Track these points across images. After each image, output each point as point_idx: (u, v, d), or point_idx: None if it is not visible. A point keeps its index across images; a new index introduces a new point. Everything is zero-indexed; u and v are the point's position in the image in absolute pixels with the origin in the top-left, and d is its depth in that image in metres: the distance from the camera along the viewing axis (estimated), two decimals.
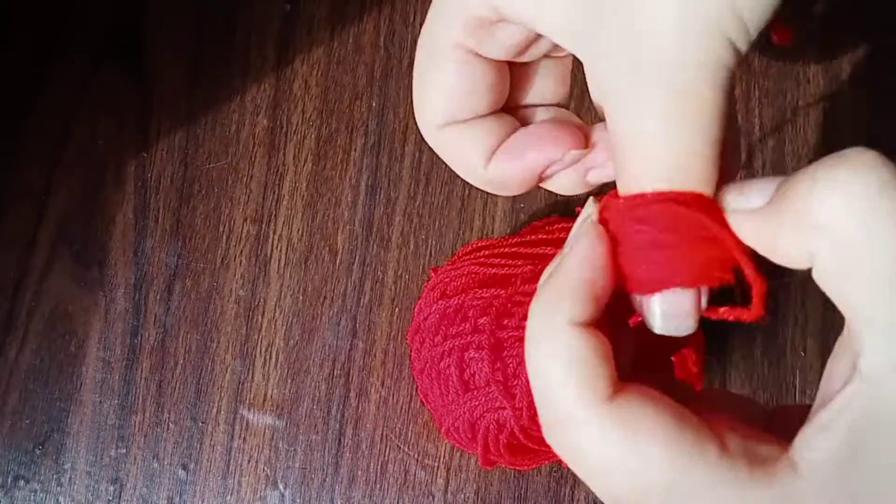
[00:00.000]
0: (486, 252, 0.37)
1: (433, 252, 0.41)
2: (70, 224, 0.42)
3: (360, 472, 0.40)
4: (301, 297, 0.41)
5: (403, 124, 0.42)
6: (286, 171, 0.42)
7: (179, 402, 0.40)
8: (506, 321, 0.34)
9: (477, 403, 0.34)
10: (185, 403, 0.40)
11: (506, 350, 0.34)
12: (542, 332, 0.19)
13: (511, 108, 0.25)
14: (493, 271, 0.36)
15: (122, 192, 0.42)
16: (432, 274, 0.39)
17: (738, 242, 0.19)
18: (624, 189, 0.20)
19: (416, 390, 0.40)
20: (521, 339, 0.32)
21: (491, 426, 0.35)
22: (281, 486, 0.40)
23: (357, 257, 0.41)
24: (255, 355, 0.41)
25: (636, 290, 0.20)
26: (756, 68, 0.42)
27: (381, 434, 0.40)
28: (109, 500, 0.40)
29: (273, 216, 0.42)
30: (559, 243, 0.36)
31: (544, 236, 0.37)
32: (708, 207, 0.19)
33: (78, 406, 0.40)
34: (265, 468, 0.40)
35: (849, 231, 0.17)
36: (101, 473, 0.40)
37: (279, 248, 0.42)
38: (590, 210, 0.20)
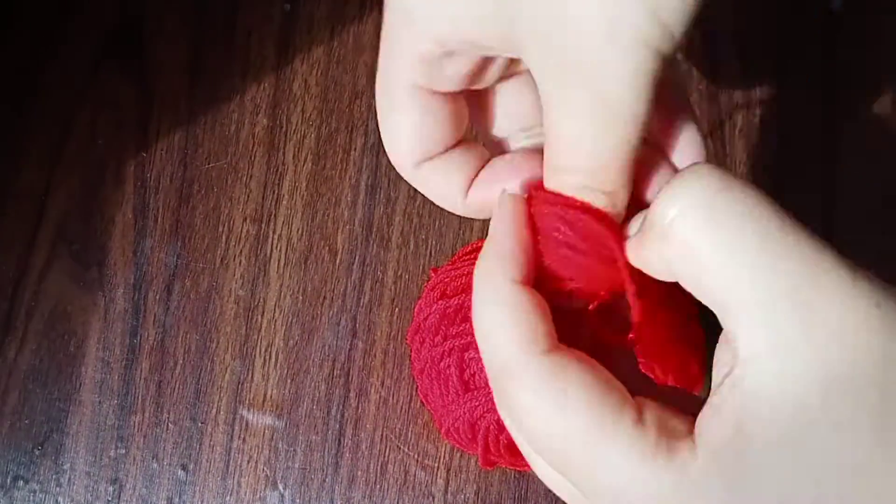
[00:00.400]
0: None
1: (433, 252, 0.41)
2: (69, 224, 0.42)
3: (359, 473, 0.40)
4: (301, 297, 0.41)
5: None
6: (286, 171, 0.42)
7: (179, 403, 0.40)
8: None
9: (477, 404, 0.34)
10: (185, 404, 0.40)
11: None
12: (486, 290, 0.21)
13: (490, 137, 0.26)
14: None
15: (121, 192, 0.42)
16: (432, 274, 0.39)
17: (627, 264, 0.21)
18: (549, 180, 0.22)
19: (416, 391, 0.40)
20: None
21: (491, 426, 0.35)
22: (280, 487, 0.40)
23: (357, 257, 0.41)
24: (255, 355, 0.41)
25: (542, 275, 0.22)
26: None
27: (381, 434, 0.40)
28: (109, 501, 0.40)
29: (273, 216, 0.42)
30: None
31: None
32: (616, 229, 0.21)
33: (77, 406, 0.40)
34: (265, 468, 0.40)
35: (690, 235, 0.18)
36: (100, 474, 0.40)
37: (279, 248, 0.41)
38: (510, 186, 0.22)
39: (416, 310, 0.38)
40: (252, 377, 0.40)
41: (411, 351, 0.38)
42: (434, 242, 0.41)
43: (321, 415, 0.40)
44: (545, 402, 0.19)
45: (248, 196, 0.42)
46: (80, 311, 0.41)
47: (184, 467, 0.40)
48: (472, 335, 0.34)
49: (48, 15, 0.43)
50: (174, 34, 0.43)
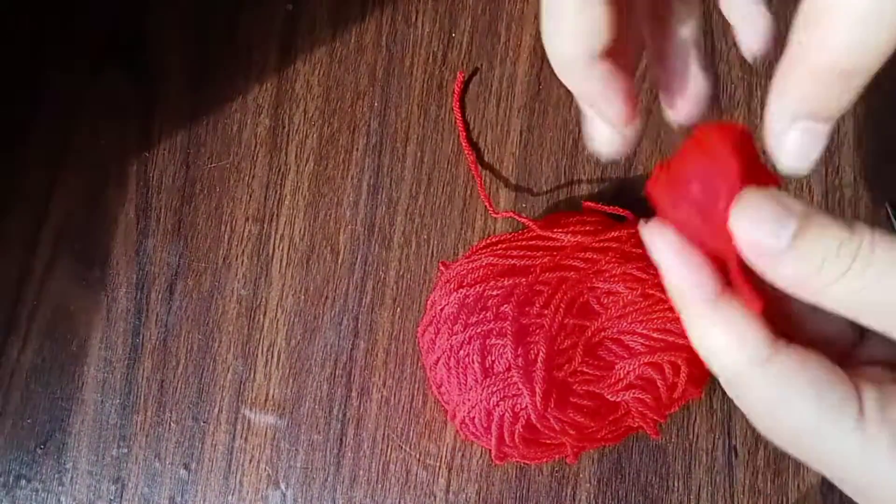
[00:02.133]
0: (504, 245, 0.38)
1: (435, 252, 0.41)
2: (72, 224, 0.42)
3: (361, 472, 0.40)
4: (303, 297, 0.41)
5: (405, 124, 0.42)
6: (288, 171, 0.42)
7: (181, 402, 0.40)
8: (527, 309, 0.35)
9: (496, 389, 0.35)
10: (187, 403, 0.40)
11: (528, 337, 0.35)
12: (692, 319, 0.22)
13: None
14: (512, 262, 0.37)
15: (124, 192, 0.42)
16: (442, 268, 0.39)
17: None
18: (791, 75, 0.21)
19: (418, 390, 0.40)
20: (542, 327, 0.34)
21: (506, 414, 0.35)
22: (282, 486, 0.40)
23: (359, 257, 0.41)
24: (257, 355, 0.41)
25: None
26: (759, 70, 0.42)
27: (383, 434, 0.40)
28: (111, 500, 0.40)
29: (275, 216, 0.42)
30: (575, 234, 0.36)
31: (560, 229, 0.38)
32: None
33: (80, 405, 0.40)
34: (267, 468, 0.40)
35: None
36: (102, 473, 0.40)
37: (281, 248, 0.41)
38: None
39: (428, 303, 0.38)
40: (254, 377, 0.40)
41: (422, 344, 0.38)
42: (436, 242, 0.41)
43: (323, 414, 0.40)
44: (775, 408, 0.21)
45: (251, 196, 0.42)
46: (83, 311, 0.41)
47: (186, 466, 0.40)
48: (493, 322, 0.35)
49: (51, 15, 0.43)
50: (176, 35, 0.43)
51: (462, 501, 0.40)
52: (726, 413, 0.40)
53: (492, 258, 0.37)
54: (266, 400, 0.40)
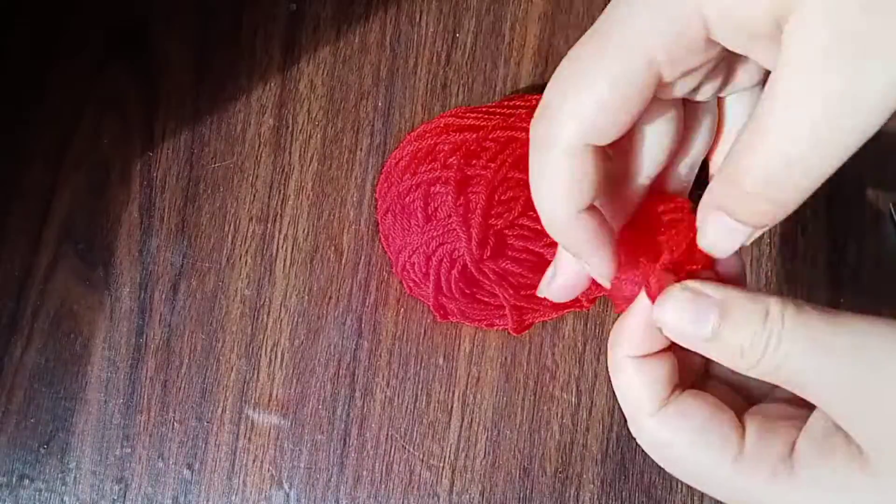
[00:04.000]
0: (463, 109, 0.39)
1: None
2: (75, 223, 0.42)
3: (365, 473, 0.40)
4: (306, 297, 0.41)
5: (409, 124, 0.42)
6: (292, 171, 0.42)
7: (185, 402, 0.40)
8: (474, 161, 0.36)
9: (436, 234, 0.36)
10: (191, 403, 0.40)
11: (470, 187, 0.36)
12: (612, 369, 0.26)
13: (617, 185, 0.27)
14: (468, 122, 0.38)
15: (127, 191, 0.42)
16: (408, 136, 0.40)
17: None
18: (732, 173, 0.22)
19: (422, 390, 0.40)
20: (486, 178, 0.35)
21: (444, 259, 0.37)
22: (286, 486, 0.40)
23: (362, 257, 0.41)
24: (261, 355, 0.41)
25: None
26: None
27: (387, 434, 0.40)
28: (114, 500, 0.40)
29: (279, 216, 0.42)
30: (534, 107, 0.37)
31: (520, 101, 0.39)
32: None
33: (83, 405, 0.40)
34: (270, 468, 0.40)
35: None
36: (106, 473, 0.40)
37: (285, 248, 0.41)
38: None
39: (389, 158, 0.40)
40: (258, 377, 0.40)
41: (377, 195, 0.39)
42: None
43: (326, 414, 0.40)
44: (661, 451, 0.24)
45: (254, 196, 0.42)
46: (86, 311, 0.41)
47: (189, 466, 0.40)
48: (440, 171, 0.36)
49: (54, 13, 0.43)
50: (180, 33, 0.43)
51: (465, 502, 0.40)
52: None
53: (450, 119, 0.38)
54: (269, 400, 0.40)
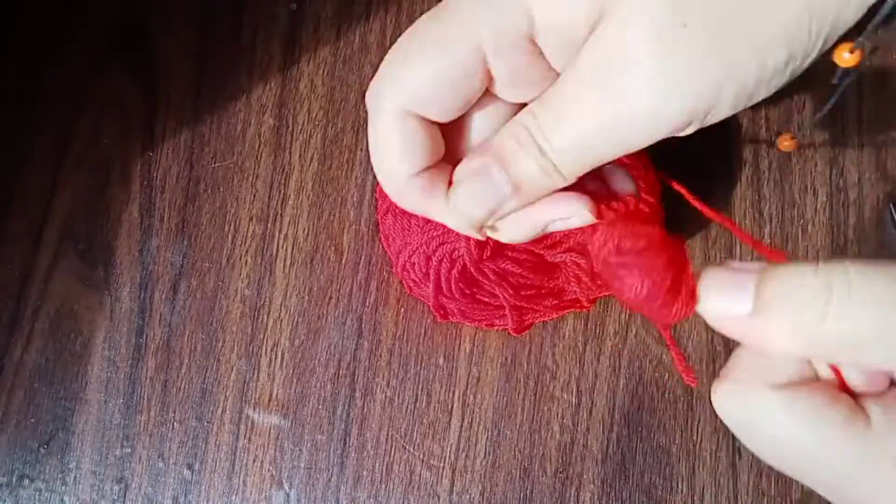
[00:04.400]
0: None
1: None
2: (75, 223, 0.42)
3: (365, 473, 0.40)
4: (307, 297, 0.41)
5: None
6: (292, 171, 0.42)
7: (185, 402, 0.40)
8: None
9: (436, 234, 0.36)
10: (191, 403, 0.40)
11: None
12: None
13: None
14: None
15: (127, 191, 0.42)
16: None
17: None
18: (513, 141, 0.24)
19: (422, 390, 0.40)
20: None
21: (444, 259, 0.36)
22: (286, 486, 0.40)
23: (363, 257, 0.41)
24: (261, 355, 0.41)
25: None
26: None
27: (387, 434, 0.40)
28: (114, 500, 0.40)
29: (279, 216, 0.42)
30: None
31: None
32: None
33: (83, 405, 0.40)
34: (270, 468, 0.40)
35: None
36: (106, 473, 0.40)
37: (285, 248, 0.41)
38: None
39: None
40: (258, 377, 0.40)
41: (378, 196, 0.39)
42: None
43: (327, 414, 0.40)
44: (785, 434, 0.21)
45: (255, 196, 0.42)
46: (86, 311, 0.41)
47: (189, 466, 0.40)
48: None
49: (54, 14, 0.43)
50: (180, 33, 0.43)
51: (466, 502, 0.39)
52: None
53: None
54: (270, 400, 0.40)
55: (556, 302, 0.38)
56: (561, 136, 0.23)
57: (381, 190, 0.39)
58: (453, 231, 0.36)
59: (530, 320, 0.38)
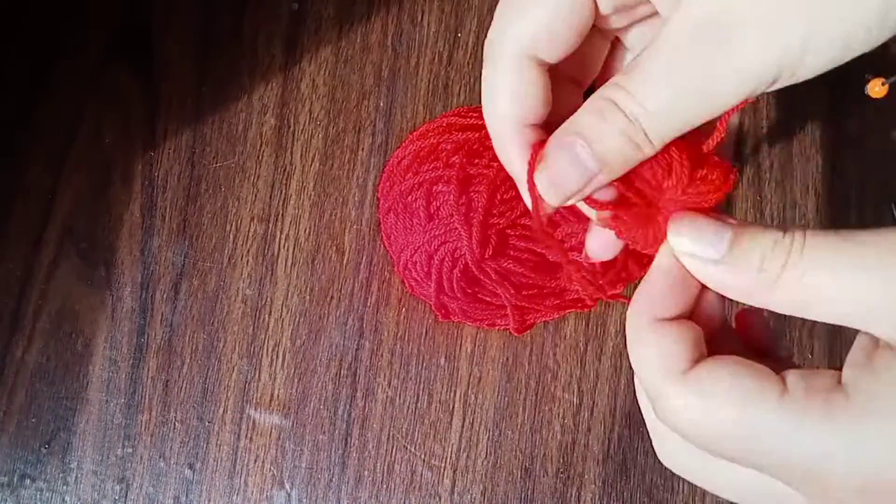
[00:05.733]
0: (466, 109, 0.40)
1: None
2: (77, 223, 0.42)
3: (366, 473, 0.40)
4: (308, 297, 0.41)
5: (411, 124, 0.42)
6: (293, 171, 0.42)
7: (186, 402, 0.40)
8: (476, 160, 0.36)
9: (438, 233, 0.36)
10: (192, 403, 0.40)
11: (472, 186, 0.36)
12: (633, 329, 0.24)
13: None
14: (471, 122, 0.38)
15: (128, 191, 0.42)
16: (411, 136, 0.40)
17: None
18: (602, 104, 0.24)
19: (423, 390, 0.40)
20: (488, 178, 0.35)
21: (446, 258, 0.37)
22: (287, 486, 0.40)
23: (364, 257, 0.41)
24: (262, 355, 0.41)
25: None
26: None
27: (388, 434, 0.40)
28: (116, 500, 0.40)
29: (280, 215, 0.42)
30: None
31: None
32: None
33: (84, 405, 0.40)
34: (271, 468, 0.40)
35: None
36: (107, 472, 0.40)
37: (286, 248, 0.41)
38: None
39: (391, 158, 0.39)
40: (259, 377, 0.40)
41: (380, 195, 0.39)
42: None
43: (328, 414, 0.40)
44: (697, 412, 0.21)
45: (256, 195, 0.42)
46: (88, 310, 0.41)
47: (191, 466, 0.40)
48: (441, 170, 0.36)
49: (56, 14, 0.43)
50: (182, 33, 0.43)
51: (467, 502, 0.40)
52: None
53: (453, 118, 0.38)
54: (271, 400, 0.40)
55: (558, 301, 0.38)
56: (655, 97, 0.23)
57: (382, 189, 0.39)
58: (455, 230, 0.36)
59: (532, 320, 0.38)
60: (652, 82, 0.23)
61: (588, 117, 0.24)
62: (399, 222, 0.38)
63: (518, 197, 0.35)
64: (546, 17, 0.25)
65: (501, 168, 0.35)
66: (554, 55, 0.26)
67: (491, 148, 0.36)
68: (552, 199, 0.26)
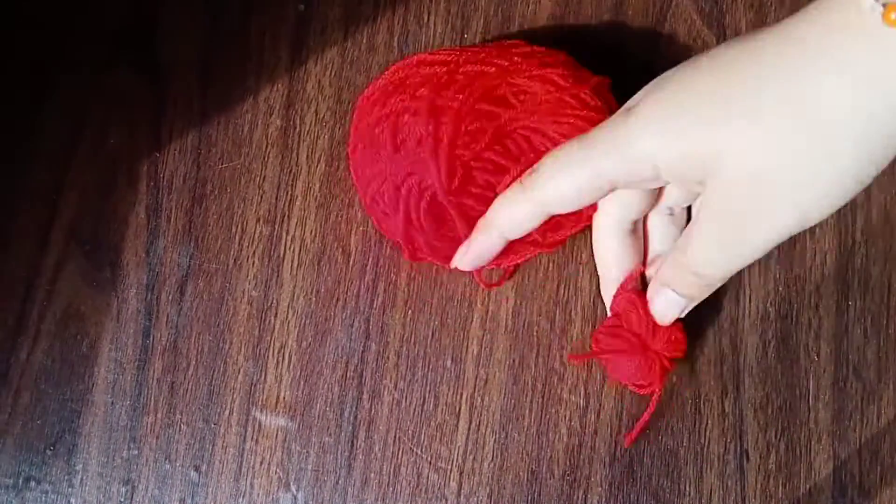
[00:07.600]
0: (439, 48, 0.40)
1: None
2: (82, 224, 0.42)
3: (372, 475, 0.40)
4: (314, 299, 0.41)
5: None
6: (299, 172, 0.42)
7: (192, 404, 0.40)
8: (443, 92, 0.36)
9: (405, 163, 0.36)
10: (198, 405, 0.40)
11: (440, 117, 0.36)
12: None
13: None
14: (441, 58, 0.38)
15: (134, 192, 0.42)
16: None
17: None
18: (672, 272, 0.37)
19: (430, 393, 0.40)
20: (455, 110, 0.35)
21: (413, 189, 0.37)
22: (293, 489, 0.40)
23: (370, 259, 0.41)
24: (268, 357, 0.41)
25: None
26: None
27: (394, 436, 0.40)
28: (121, 502, 0.40)
29: (286, 217, 0.42)
30: (506, 50, 0.38)
31: (492, 46, 0.40)
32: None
33: (90, 407, 0.40)
34: (277, 470, 0.40)
35: None
36: (112, 474, 0.40)
37: (292, 249, 0.41)
38: None
39: (362, 96, 0.40)
40: (265, 378, 0.40)
41: (351, 133, 0.40)
42: None
43: (334, 416, 0.40)
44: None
45: (262, 197, 0.42)
46: (93, 312, 0.41)
47: (196, 468, 0.40)
48: (409, 102, 0.37)
49: (60, 14, 0.43)
50: (187, 34, 0.43)
51: None
52: (738, 417, 0.40)
53: (424, 55, 0.39)
54: (277, 402, 0.40)
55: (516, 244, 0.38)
56: (713, 269, 0.34)
57: (354, 124, 0.40)
58: (422, 160, 0.36)
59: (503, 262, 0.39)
60: (702, 262, 0.34)
61: (669, 272, 0.36)
62: (366, 155, 0.38)
63: (482, 129, 0.36)
64: (638, 196, 0.36)
65: (467, 100, 0.36)
66: (639, 216, 0.38)
67: (458, 81, 0.37)
68: (661, 315, 0.37)
